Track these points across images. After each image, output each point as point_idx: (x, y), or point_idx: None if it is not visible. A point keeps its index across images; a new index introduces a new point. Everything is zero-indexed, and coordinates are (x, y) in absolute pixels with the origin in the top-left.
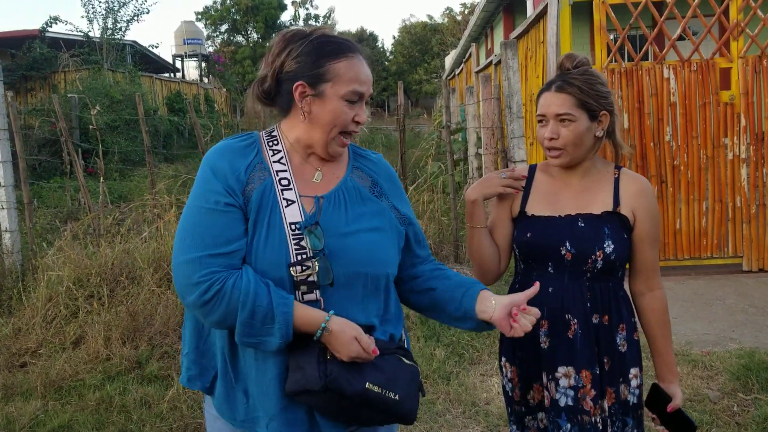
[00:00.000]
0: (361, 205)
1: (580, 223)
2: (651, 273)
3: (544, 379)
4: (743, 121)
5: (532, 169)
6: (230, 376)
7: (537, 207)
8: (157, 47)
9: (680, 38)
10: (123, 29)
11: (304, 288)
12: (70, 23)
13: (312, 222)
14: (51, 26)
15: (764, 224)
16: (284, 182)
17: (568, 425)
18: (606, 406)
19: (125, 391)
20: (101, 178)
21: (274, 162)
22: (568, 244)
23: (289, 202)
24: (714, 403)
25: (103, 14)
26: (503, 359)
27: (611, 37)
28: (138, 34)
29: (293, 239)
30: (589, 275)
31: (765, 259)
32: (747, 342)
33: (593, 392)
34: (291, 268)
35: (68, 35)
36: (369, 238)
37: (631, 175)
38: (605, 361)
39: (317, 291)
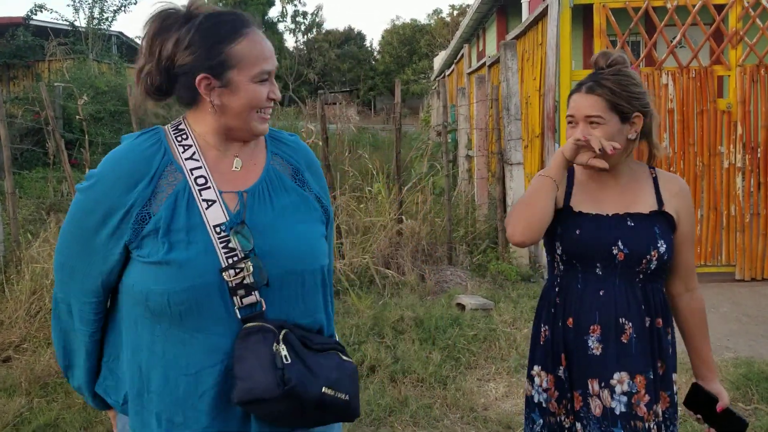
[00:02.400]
0: (285, 196)
1: (629, 222)
2: (691, 273)
3: (596, 387)
4: (740, 130)
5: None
6: (145, 396)
7: (582, 204)
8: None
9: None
10: (109, 19)
11: (241, 292)
12: (56, 11)
13: (237, 221)
14: (36, 14)
15: (758, 233)
16: (201, 181)
17: None
18: (660, 411)
19: None
20: (87, 170)
21: (186, 159)
22: (620, 243)
23: (210, 203)
24: None
25: (89, 3)
26: (537, 368)
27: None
28: (124, 24)
29: (220, 242)
30: (641, 276)
31: (757, 269)
32: (742, 351)
33: (647, 397)
34: (224, 273)
35: (53, 24)
36: (297, 232)
37: (668, 175)
38: (659, 365)
39: (256, 293)
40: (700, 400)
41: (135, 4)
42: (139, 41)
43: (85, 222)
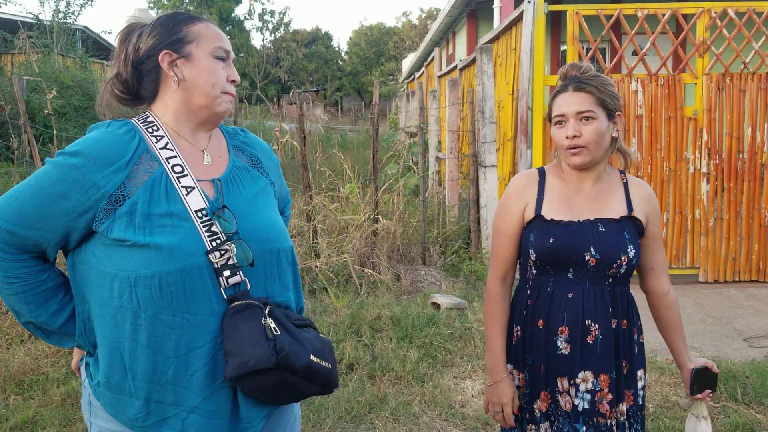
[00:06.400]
0: (253, 184)
1: (600, 227)
2: (667, 272)
3: (565, 385)
4: (705, 136)
5: (542, 172)
6: (129, 385)
7: (554, 211)
8: (110, 33)
9: (634, 53)
10: (75, 13)
11: (227, 273)
12: (20, 4)
13: (218, 206)
14: (0, 6)
15: (721, 237)
16: (178, 169)
17: (584, 428)
18: (625, 408)
19: None
20: None
21: (161, 149)
22: (592, 249)
23: (189, 189)
24: (684, 409)
25: None
26: (509, 366)
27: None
28: (90, 19)
29: (203, 226)
30: (611, 280)
31: (720, 271)
32: (708, 351)
33: (610, 396)
34: (209, 255)
35: (18, 16)
36: (268, 215)
37: (636, 180)
38: (624, 364)
39: (240, 272)
40: (707, 377)
41: None
42: (104, 36)
43: (49, 191)
